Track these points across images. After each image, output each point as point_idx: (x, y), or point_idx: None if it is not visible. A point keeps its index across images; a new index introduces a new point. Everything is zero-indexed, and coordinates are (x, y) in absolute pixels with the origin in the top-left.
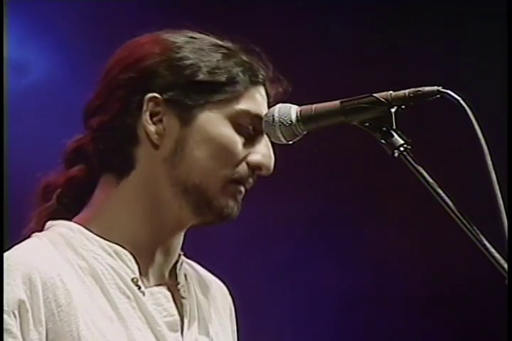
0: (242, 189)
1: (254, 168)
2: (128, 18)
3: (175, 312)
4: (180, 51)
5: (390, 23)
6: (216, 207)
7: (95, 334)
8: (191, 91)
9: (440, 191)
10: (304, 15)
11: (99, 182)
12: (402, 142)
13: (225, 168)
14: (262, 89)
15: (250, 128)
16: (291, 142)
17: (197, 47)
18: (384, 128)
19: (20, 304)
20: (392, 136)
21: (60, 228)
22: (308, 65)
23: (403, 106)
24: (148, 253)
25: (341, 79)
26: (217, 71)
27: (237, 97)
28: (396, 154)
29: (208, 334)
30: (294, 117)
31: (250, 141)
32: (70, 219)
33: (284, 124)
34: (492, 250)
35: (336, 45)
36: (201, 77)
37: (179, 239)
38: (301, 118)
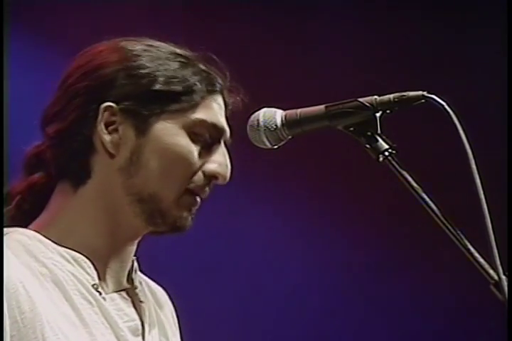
0: (198, 199)
1: (211, 177)
2: None
3: (136, 316)
4: (138, 60)
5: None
6: (170, 218)
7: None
8: (147, 101)
9: (425, 196)
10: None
11: (56, 189)
12: (386, 147)
13: (180, 178)
14: (219, 98)
15: (207, 137)
16: (276, 146)
17: (154, 56)
18: (369, 133)
19: None
20: (377, 140)
21: (16, 235)
22: (307, 66)
23: (388, 111)
24: (104, 261)
25: (340, 80)
26: (173, 80)
27: (193, 107)
28: (381, 159)
29: (167, 339)
30: (278, 121)
31: (207, 149)
32: (26, 226)
33: (269, 129)
34: (477, 255)
35: (334, 46)
36: (158, 86)
37: (133, 247)
38: (286, 123)
